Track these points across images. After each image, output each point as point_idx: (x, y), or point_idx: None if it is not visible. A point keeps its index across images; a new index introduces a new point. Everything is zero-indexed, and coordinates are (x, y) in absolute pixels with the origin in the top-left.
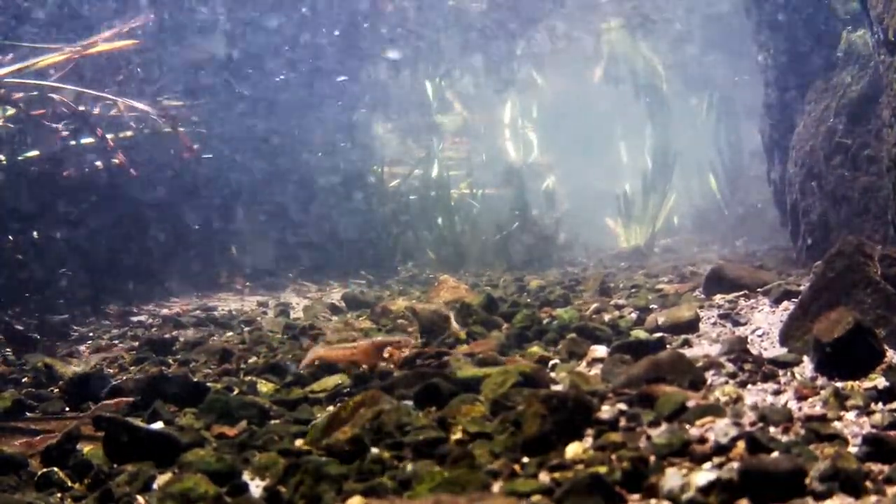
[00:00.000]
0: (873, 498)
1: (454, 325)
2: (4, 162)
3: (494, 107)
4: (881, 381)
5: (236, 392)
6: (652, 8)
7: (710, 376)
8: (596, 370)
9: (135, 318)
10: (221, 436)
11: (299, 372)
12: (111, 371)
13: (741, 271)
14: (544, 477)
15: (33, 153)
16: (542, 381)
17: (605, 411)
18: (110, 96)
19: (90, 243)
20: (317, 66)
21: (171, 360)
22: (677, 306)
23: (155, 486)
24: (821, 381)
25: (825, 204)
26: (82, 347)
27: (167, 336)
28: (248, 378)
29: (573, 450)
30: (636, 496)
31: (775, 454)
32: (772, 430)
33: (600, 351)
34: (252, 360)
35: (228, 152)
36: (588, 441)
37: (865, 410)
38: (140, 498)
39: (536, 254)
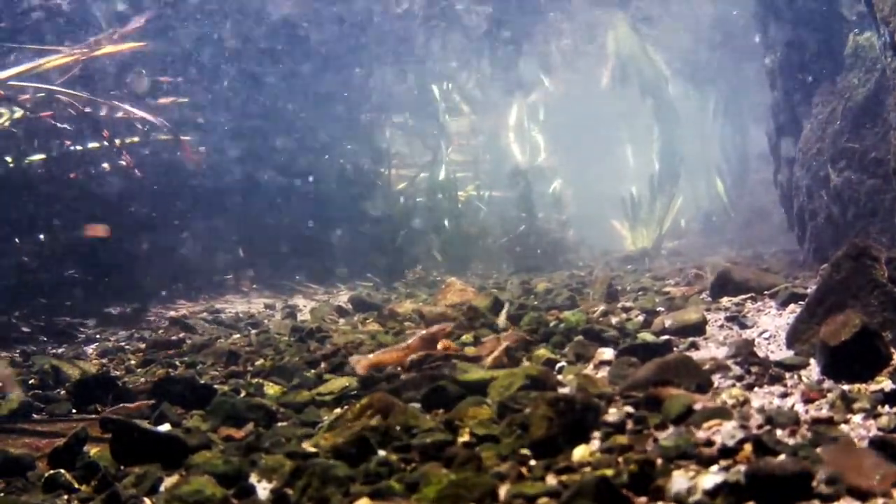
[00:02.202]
0: (880, 501)
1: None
2: (11, 164)
3: (501, 109)
4: (888, 384)
5: (243, 394)
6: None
7: (716, 379)
8: (603, 373)
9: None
10: (228, 438)
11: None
12: (118, 373)
13: (748, 274)
14: (551, 479)
15: (39, 156)
16: (550, 384)
17: (612, 414)
18: (117, 103)
19: (96, 246)
20: (324, 68)
21: (177, 362)
22: (684, 309)
23: (162, 488)
24: (827, 383)
25: (831, 206)
26: (89, 349)
27: (174, 338)
28: (255, 380)
29: (580, 452)
30: (643, 499)
31: (782, 457)
32: (778, 432)
33: (607, 353)
34: (259, 362)
35: (234, 154)
36: (595, 443)
37: (872, 413)
38: (147, 500)
39: (543, 256)
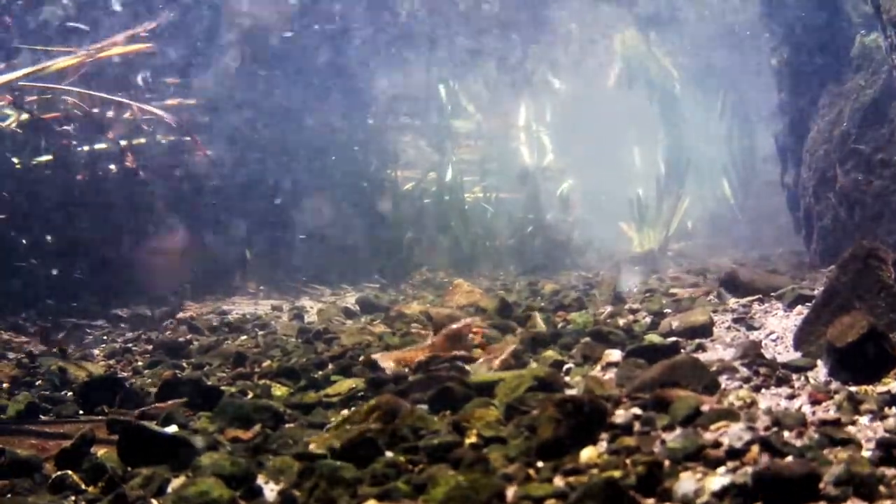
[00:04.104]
0: (887, 502)
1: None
2: (19, 166)
3: (508, 110)
4: (895, 386)
5: (250, 396)
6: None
7: (724, 381)
8: (610, 374)
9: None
10: (236, 439)
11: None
12: (125, 374)
13: (755, 276)
14: (559, 481)
15: (47, 157)
16: (557, 385)
17: (620, 415)
18: (125, 100)
19: (103, 247)
20: (332, 70)
21: (185, 364)
22: (691, 311)
23: (169, 489)
24: (834, 385)
25: (838, 208)
26: (96, 350)
27: (181, 339)
28: (262, 382)
29: (588, 454)
30: (651, 501)
31: (789, 459)
32: (786, 434)
33: (615, 355)
34: (266, 363)
35: (241, 155)
36: (602, 445)
37: (879, 415)
38: (154, 501)
39: (550, 258)
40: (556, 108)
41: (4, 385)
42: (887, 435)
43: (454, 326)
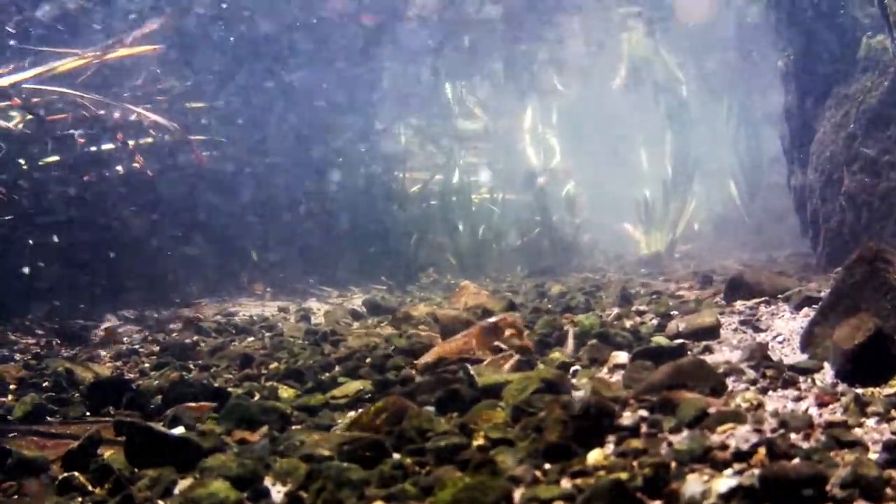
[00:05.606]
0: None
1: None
2: (25, 167)
3: (515, 112)
4: None
5: (257, 397)
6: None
7: (730, 382)
8: (617, 376)
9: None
10: (243, 441)
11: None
12: (132, 376)
13: (761, 278)
14: (566, 483)
15: (53, 158)
16: (564, 387)
17: (627, 417)
18: (129, 106)
19: (109, 248)
20: (338, 72)
21: (191, 366)
22: (698, 312)
23: (176, 490)
24: (841, 387)
25: (845, 210)
26: (103, 352)
27: (188, 341)
28: (269, 383)
29: (595, 456)
30: (657, 503)
31: (796, 461)
32: (792, 436)
33: (621, 357)
34: (273, 365)
35: (247, 156)
36: (609, 447)
37: (886, 417)
38: (161, 503)
39: (557, 259)
40: (563, 110)
41: (12, 386)
42: (894, 437)
43: (492, 319)
